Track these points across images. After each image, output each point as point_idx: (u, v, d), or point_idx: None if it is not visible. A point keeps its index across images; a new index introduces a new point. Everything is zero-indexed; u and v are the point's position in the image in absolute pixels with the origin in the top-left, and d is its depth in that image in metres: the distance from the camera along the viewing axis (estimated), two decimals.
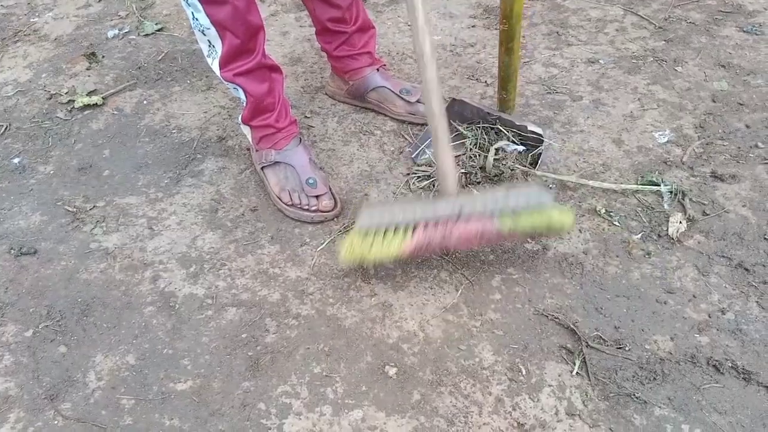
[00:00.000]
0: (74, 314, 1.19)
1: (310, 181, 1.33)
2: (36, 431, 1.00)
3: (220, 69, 1.24)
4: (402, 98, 1.54)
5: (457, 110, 1.48)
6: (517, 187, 1.13)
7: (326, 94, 1.68)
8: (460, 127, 1.44)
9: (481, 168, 1.38)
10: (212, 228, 1.35)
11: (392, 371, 1.07)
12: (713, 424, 0.97)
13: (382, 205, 1.16)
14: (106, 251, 1.31)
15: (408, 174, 1.43)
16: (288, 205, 1.34)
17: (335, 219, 1.34)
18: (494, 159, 1.36)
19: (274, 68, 1.32)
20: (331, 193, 1.35)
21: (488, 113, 1.42)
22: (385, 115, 1.59)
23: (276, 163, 1.37)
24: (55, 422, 1.01)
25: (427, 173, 1.42)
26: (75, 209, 1.41)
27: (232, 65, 1.23)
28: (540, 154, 1.36)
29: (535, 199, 1.07)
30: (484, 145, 1.42)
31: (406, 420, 1.00)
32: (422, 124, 1.54)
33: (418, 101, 1.55)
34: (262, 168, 1.39)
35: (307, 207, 1.32)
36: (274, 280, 1.24)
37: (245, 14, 1.15)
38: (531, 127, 1.35)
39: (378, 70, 1.56)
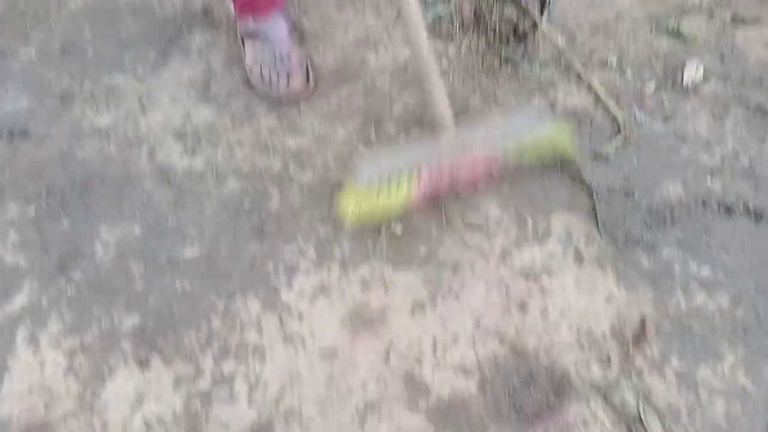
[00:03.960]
0: (74, 191, 1.17)
1: (284, 57, 1.25)
2: (50, 298, 1.02)
3: None
4: None
5: None
6: (514, 114, 1.07)
7: None
8: None
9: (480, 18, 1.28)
10: (206, 102, 1.30)
11: (398, 228, 1.06)
12: (722, 262, 0.97)
13: (378, 155, 1.05)
14: (99, 130, 1.27)
15: None
16: (258, 80, 1.28)
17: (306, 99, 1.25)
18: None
19: None
20: (307, 71, 1.27)
21: None
22: None
23: (254, 34, 1.28)
24: (68, 290, 1.03)
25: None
26: (62, 91, 1.36)
27: None
28: (548, 3, 1.26)
29: (535, 124, 1.03)
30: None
31: (413, 272, 1.01)
32: None
33: None
34: (241, 38, 1.31)
35: (276, 84, 1.25)
36: (274, 150, 1.21)
37: None
38: None
39: None
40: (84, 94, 1.35)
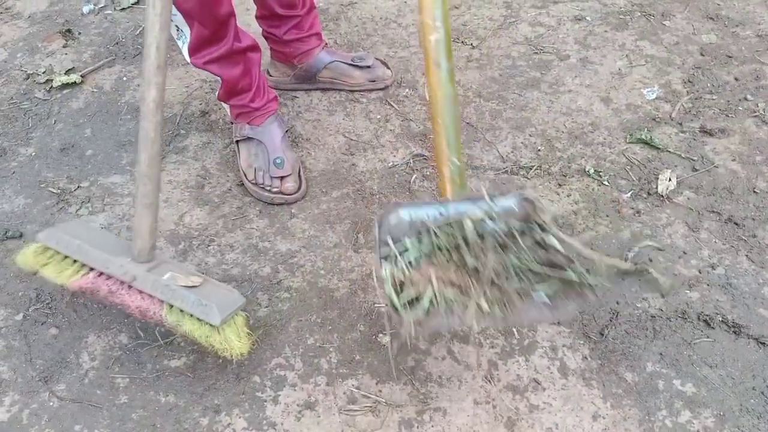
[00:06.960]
0: (64, 296, 1.18)
1: (278, 161, 1.31)
2: (32, 413, 1.00)
3: (189, 56, 1.19)
4: (358, 67, 1.51)
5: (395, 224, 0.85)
6: (209, 287, 0.99)
7: (269, 85, 1.42)
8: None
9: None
10: (199, 204, 1.34)
11: (385, 339, 1.07)
12: (704, 377, 0.98)
13: (74, 228, 1.07)
14: None
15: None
16: (251, 183, 1.33)
17: (297, 202, 1.31)
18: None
19: (250, 48, 1.26)
20: (298, 175, 1.33)
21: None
22: (341, 90, 1.54)
23: (248, 138, 1.34)
24: (51, 403, 1.01)
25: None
26: (59, 191, 1.39)
27: (202, 53, 1.18)
28: None
29: (212, 310, 0.93)
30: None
31: (400, 386, 1.01)
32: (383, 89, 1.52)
33: (376, 59, 1.53)
34: (236, 141, 1.37)
35: (269, 188, 1.30)
36: (264, 254, 1.23)
37: (212, 5, 1.11)
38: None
39: (323, 48, 1.52)
40: (80, 194, 1.38)
